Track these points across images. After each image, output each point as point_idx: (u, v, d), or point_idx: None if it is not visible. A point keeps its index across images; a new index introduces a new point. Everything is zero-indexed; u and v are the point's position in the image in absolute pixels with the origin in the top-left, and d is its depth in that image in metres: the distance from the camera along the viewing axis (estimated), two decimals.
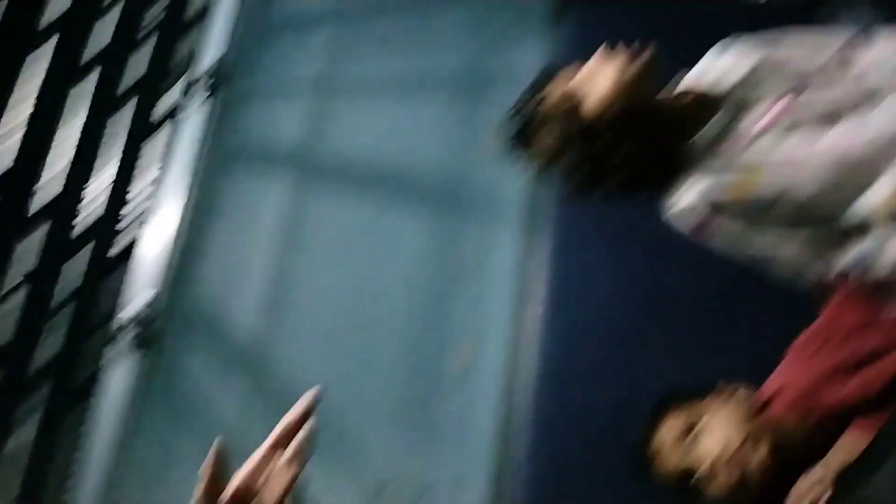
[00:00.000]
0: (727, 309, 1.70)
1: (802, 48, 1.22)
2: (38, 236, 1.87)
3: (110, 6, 2.10)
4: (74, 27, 1.95)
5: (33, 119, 1.82)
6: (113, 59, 2.08)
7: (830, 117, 1.11)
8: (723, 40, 1.26)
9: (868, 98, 1.10)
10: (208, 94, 2.38)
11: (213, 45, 2.44)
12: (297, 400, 0.82)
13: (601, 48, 1.16)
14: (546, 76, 1.23)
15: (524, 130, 1.23)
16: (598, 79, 1.15)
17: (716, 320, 1.70)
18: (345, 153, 2.27)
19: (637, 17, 2.01)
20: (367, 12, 2.41)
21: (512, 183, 2.07)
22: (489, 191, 2.11)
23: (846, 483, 1.04)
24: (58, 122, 1.93)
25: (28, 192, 1.85)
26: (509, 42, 2.28)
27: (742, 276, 1.60)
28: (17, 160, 1.78)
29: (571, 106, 1.17)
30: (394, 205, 2.17)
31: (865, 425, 1.13)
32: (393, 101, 2.29)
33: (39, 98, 1.83)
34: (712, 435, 1.18)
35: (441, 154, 2.20)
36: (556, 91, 1.19)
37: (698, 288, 1.73)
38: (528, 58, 2.20)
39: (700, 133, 1.15)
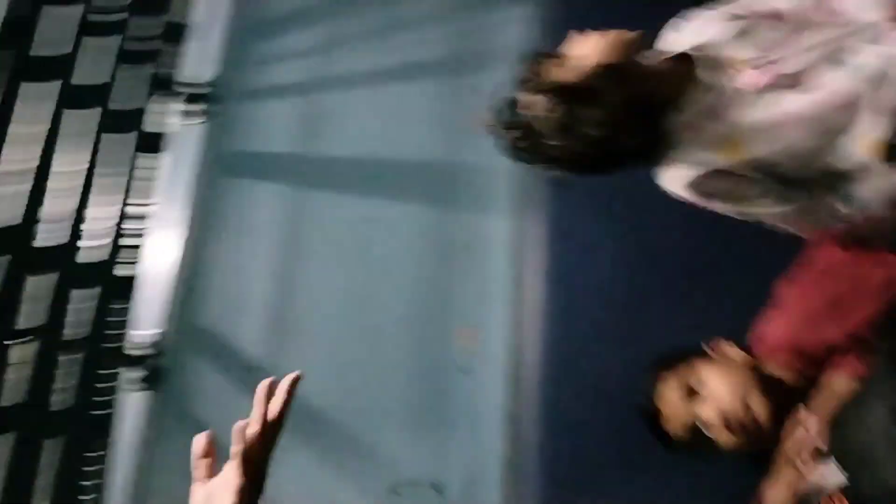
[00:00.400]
0: (723, 267, 1.70)
1: None
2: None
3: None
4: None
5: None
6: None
7: (800, 77, 1.13)
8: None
9: (836, 55, 1.12)
10: (197, 115, 2.40)
11: (195, 67, 2.45)
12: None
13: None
14: (532, 56, 1.24)
15: (510, 115, 1.24)
16: (581, 45, 1.16)
17: (712, 278, 1.70)
18: (335, 152, 2.29)
19: None
20: (343, 9, 2.42)
21: (500, 163, 2.07)
22: (478, 174, 2.10)
23: (835, 426, 1.05)
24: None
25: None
26: (489, 22, 2.28)
27: (734, 236, 1.63)
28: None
29: (557, 70, 1.16)
30: (387, 198, 2.18)
31: (851, 366, 1.13)
32: (379, 93, 2.30)
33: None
34: (711, 391, 1.19)
35: (429, 141, 2.21)
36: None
37: (692, 249, 1.72)
38: (509, 36, 2.20)
39: (682, 103, 1.17)
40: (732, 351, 1.27)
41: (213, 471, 0.83)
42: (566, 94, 1.15)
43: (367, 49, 2.35)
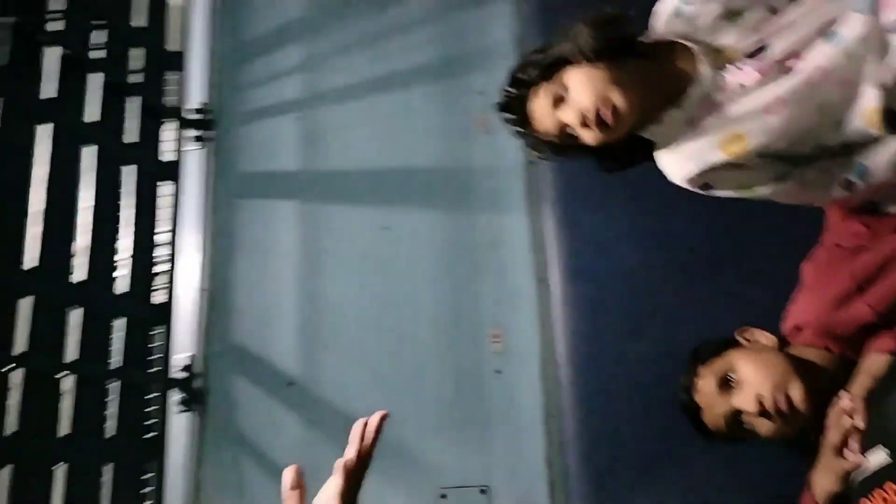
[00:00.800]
0: (743, 250, 1.70)
1: None
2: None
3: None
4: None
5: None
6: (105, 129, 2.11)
7: (792, 56, 1.13)
8: None
9: (827, 26, 1.12)
10: (199, 142, 2.42)
11: (193, 92, 2.46)
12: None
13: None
14: (519, 65, 1.26)
15: (516, 122, 1.27)
16: (586, 134, 1.18)
17: (734, 261, 1.70)
18: (344, 165, 2.30)
19: None
20: (333, 20, 2.43)
21: (510, 161, 2.09)
22: (489, 172, 2.14)
23: (875, 404, 1.06)
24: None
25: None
26: (477, 17, 2.30)
27: (754, 217, 1.63)
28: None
29: (567, 137, 1.21)
30: (401, 205, 2.21)
31: (884, 343, 1.15)
32: (378, 102, 2.32)
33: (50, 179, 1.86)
34: (746, 379, 1.20)
35: (434, 145, 2.23)
36: (543, 112, 1.22)
37: (711, 232, 1.73)
38: (501, 32, 2.24)
39: (682, 100, 1.18)
40: (764, 337, 1.28)
41: (304, 501, 0.90)
42: (558, 148, 1.24)
43: (361, 58, 2.37)
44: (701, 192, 1.22)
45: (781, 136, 1.12)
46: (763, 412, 1.16)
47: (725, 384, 1.23)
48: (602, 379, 1.74)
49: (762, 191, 1.20)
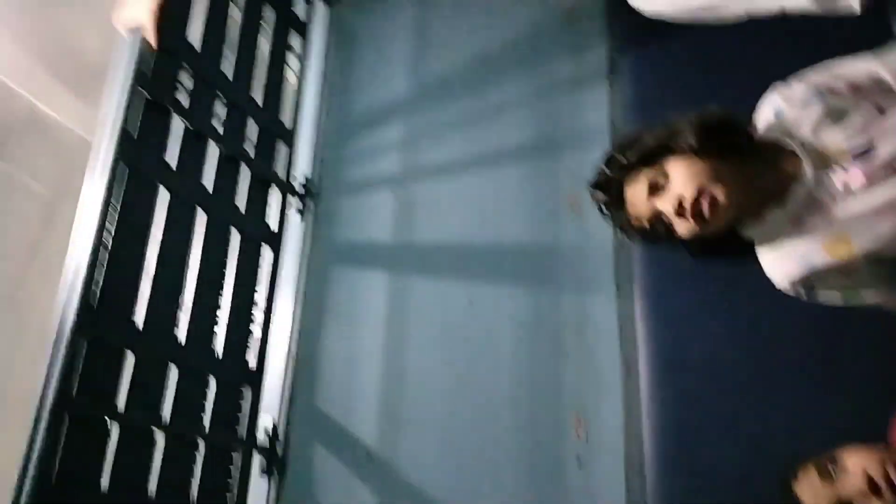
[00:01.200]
0: (843, 348, 1.61)
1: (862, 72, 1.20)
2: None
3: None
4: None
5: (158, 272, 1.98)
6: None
7: None
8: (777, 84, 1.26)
9: None
10: (300, 213, 2.54)
11: (300, 164, 2.61)
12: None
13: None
14: (618, 147, 1.27)
15: (608, 204, 1.28)
16: (681, 224, 1.18)
17: (832, 360, 1.61)
18: (435, 239, 2.35)
19: (687, 61, 2.01)
20: (433, 102, 2.53)
21: (600, 242, 2.08)
22: (578, 254, 2.12)
23: None
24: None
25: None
26: (572, 102, 2.33)
27: (855, 313, 1.54)
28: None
29: (660, 225, 1.21)
30: (488, 283, 2.21)
31: None
32: (472, 180, 2.37)
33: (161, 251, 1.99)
34: (852, 466, 1.16)
35: (524, 223, 2.24)
36: (639, 197, 1.22)
37: (806, 331, 1.65)
38: (592, 115, 2.25)
39: (786, 198, 1.16)
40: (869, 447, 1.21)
41: None
42: (648, 234, 1.23)
43: (457, 137, 2.44)
44: (803, 293, 1.18)
45: (891, 241, 1.08)
46: (873, 489, 1.10)
47: (828, 473, 1.18)
48: (691, 478, 1.65)
49: (868, 296, 1.15)
